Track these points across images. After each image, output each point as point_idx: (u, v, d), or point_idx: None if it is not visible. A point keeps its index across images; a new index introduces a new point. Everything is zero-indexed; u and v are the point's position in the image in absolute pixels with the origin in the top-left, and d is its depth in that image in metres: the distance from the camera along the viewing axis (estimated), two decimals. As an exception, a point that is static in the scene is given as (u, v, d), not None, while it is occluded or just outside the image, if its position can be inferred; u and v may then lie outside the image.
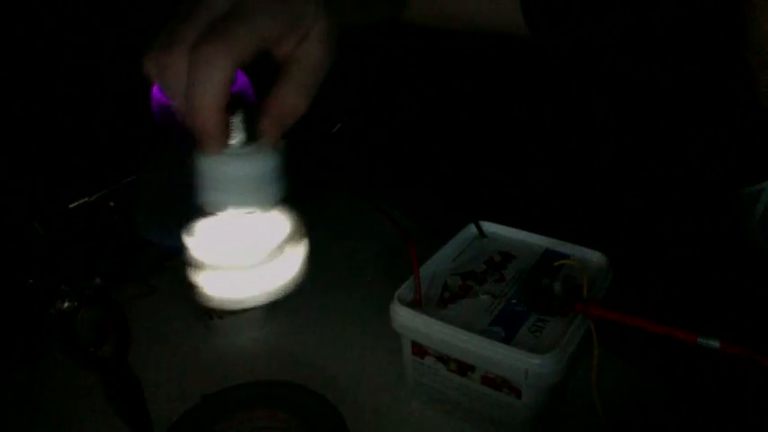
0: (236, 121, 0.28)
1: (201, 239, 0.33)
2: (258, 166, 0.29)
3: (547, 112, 0.69)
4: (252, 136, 0.29)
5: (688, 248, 0.57)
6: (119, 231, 0.72)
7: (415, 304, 0.50)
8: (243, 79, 0.67)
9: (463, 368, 0.48)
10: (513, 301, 0.50)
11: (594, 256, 0.55)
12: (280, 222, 0.34)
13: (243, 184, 0.30)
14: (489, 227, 0.61)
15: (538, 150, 0.71)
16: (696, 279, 0.56)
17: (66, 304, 0.64)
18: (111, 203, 0.74)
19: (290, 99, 0.29)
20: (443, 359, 0.49)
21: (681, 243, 0.58)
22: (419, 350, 0.50)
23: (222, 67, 0.26)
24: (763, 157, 0.36)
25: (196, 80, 0.26)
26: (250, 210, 0.31)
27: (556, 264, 0.54)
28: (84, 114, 0.82)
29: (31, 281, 0.64)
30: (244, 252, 0.32)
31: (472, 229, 0.61)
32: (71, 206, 0.72)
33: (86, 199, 0.73)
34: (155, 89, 0.66)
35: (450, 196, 0.81)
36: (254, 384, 0.55)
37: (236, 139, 0.29)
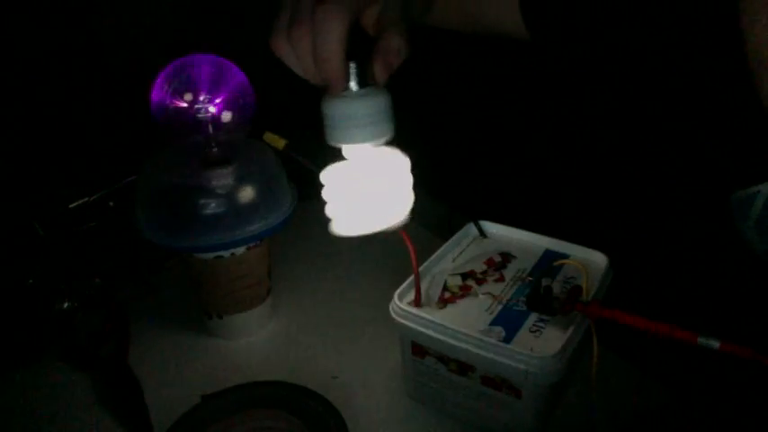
0: (353, 68, 0.34)
1: (338, 177, 0.38)
2: (373, 104, 0.35)
3: (546, 113, 0.69)
4: (365, 81, 0.35)
5: (688, 249, 0.57)
6: (119, 231, 0.72)
7: (416, 304, 0.50)
8: (242, 78, 0.67)
9: (463, 368, 0.48)
10: (513, 301, 0.50)
11: (594, 256, 0.55)
12: (396, 155, 0.39)
13: (363, 119, 0.35)
14: (489, 227, 0.61)
15: (538, 150, 0.71)
16: (696, 279, 0.56)
17: (66, 304, 0.64)
18: (111, 203, 0.74)
19: (395, 44, 0.35)
20: (443, 359, 0.49)
21: (680, 243, 0.58)
22: (419, 350, 0.50)
23: (338, 24, 0.32)
24: (758, 159, 0.36)
25: (321, 37, 0.33)
26: (370, 144, 0.36)
27: (556, 264, 0.54)
28: (84, 114, 0.82)
29: (31, 281, 0.64)
30: (373, 182, 0.38)
31: (472, 229, 0.61)
32: (71, 206, 0.72)
33: (86, 199, 0.73)
34: (154, 89, 0.66)
35: (451, 196, 0.81)
36: (254, 384, 0.55)
37: (354, 83, 0.35)
